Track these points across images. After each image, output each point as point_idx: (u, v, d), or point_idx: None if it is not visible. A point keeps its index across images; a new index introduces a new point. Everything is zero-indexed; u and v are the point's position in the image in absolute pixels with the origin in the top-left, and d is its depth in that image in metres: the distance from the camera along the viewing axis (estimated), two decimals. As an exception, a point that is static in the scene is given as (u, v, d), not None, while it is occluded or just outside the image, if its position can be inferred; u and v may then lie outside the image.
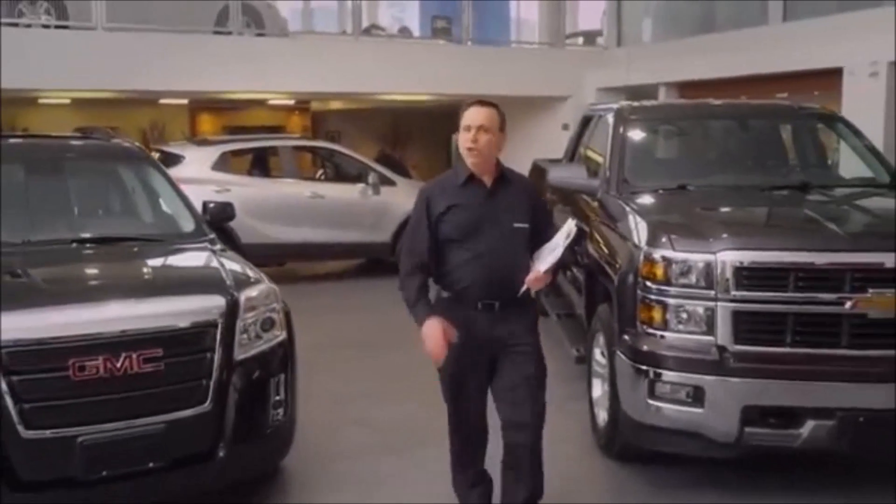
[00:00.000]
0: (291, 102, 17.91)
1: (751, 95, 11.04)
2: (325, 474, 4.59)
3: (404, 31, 20.23)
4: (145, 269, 4.32)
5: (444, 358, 3.48)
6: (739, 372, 3.99)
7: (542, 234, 3.60)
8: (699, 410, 4.03)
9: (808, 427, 3.94)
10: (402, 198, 10.47)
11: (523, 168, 9.44)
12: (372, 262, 11.09)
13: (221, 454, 3.76)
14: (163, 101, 15.42)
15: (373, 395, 6.02)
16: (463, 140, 3.53)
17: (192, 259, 4.47)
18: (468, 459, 3.78)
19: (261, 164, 11.09)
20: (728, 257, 4.02)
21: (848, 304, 3.93)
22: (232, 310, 3.84)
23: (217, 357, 3.74)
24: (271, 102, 16.93)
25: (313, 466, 4.64)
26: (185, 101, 16.62)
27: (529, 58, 14.99)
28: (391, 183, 10.64)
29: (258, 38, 12.66)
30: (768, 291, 4.03)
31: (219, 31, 12.14)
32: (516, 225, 3.55)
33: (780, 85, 11.20)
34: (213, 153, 9.85)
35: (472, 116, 3.54)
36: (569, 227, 3.44)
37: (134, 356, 3.51)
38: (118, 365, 3.49)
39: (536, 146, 12.04)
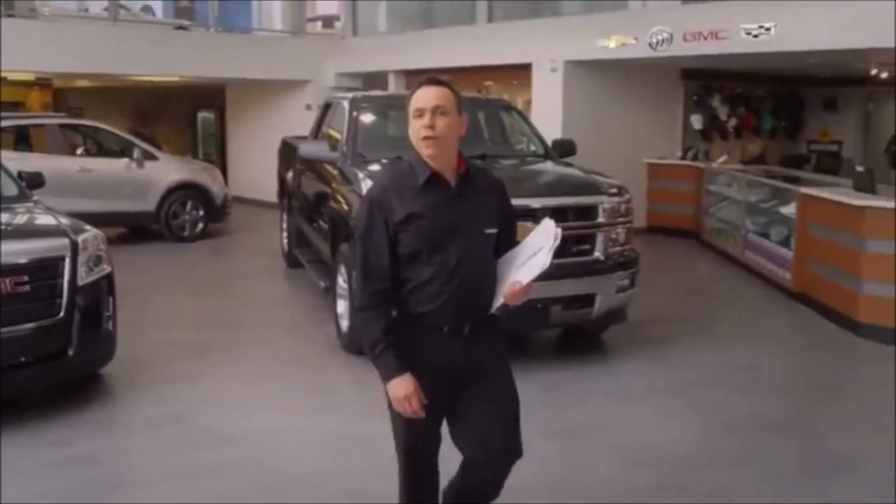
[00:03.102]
0: (32, 78, 17.96)
1: (465, 84, 13.24)
2: (146, 377, 6.04)
3: (147, 10, 20.41)
4: (3, 221, 5.53)
5: (396, 418, 3.03)
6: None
7: (506, 236, 3.05)
8: (410, 308, 5.94)
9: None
10: (164, 171, 11.81)
11: (273, 144, 11.05)
12: (137, 229, 12.23)
13: (71, 352, 5.21)
14: None
15: (166, 325, 7.53)
16: (416, 128, 2.87)
17: (33, 214, 5.74)
18: None
19: (25, 140, 11.79)
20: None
21: (504, 233, 5.99)
22: (74, 248, 5.26)
23: (66, 282, 5.17)
24: (10, 78, 16.97)
25: (134, 373, 6.06)
26: None
27: (273, 44, 16.27)
28: (154, 157, 11.85)
29: (7, 18, 13.08)
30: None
31: (-32, 12, 12.51)
32: (487, 230, 2.97)
33: (487, 75, 13.48)
34: (-18, 131, 10.54)
35: (424, 97, 2.86)
36: (553, 229, 2.89)
37: (8, 281, 4.88)
38: (-3, 287, 4.83)
39: (284, 124, 13.61)
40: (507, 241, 3.05)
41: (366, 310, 2.95)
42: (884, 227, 7.05)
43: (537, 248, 2.89)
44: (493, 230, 2.98)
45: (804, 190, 8.58)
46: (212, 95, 18.25)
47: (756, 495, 4.36)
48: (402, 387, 2.88)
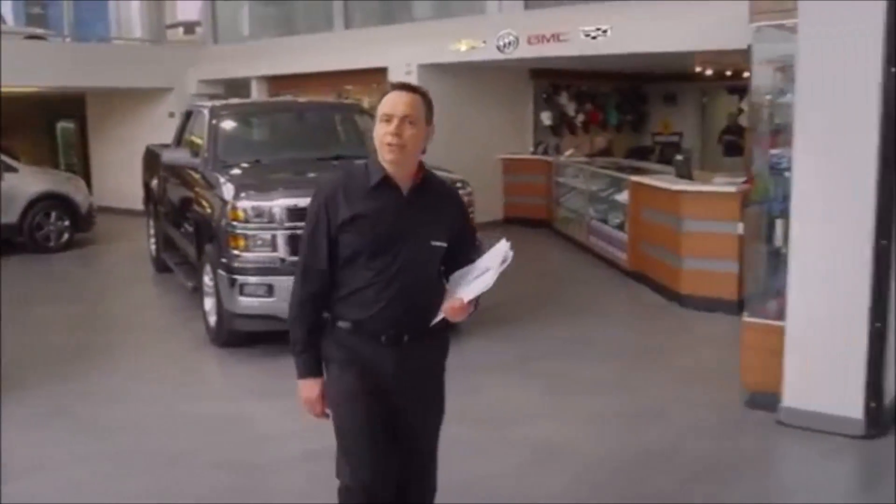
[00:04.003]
0: None
1: (326, 88, 13.74)
2: (26, 380, 6.23)
3: (-6, 16, 19.85)
4: None
5: (342, 415, 2.98)
6: (292, 272, 6.42)
7: (458, 254, 2.99)
8: (272, 300, 6.41)
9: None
10: (24, 183, 11.81)
11: (138, 152, 11.22)
12: (-1, 243, 12.15)
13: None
14: None
15: (41, 332, 7.77)
16: (381, 133, 2.80)
17: None
18: None
19: None
20: (281, 203, 6.43)
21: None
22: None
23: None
24: None
25: (14, 376, 6.21)
26: None
27: (133, 52, 16.27)
28: (13, 169, 11.82)
29: None
30: (304, 222, 6.53)
31: None
32: (434, 243, 2.92)
33: (347, 79, 13.95)
34: None
35: (394, 104, 2.81)
36: (504, 251, 2.86)
37: None
38: None
39: (148, 132, 13.72)
40: (465, 256, 2.99)
41: (299, 307, 2.97)
42: (696, 208, 7.97)
43: (485, 268, 2.88)
44: (442, 244, 2.94)
45: (634, 178, 9.48)
46: (71, 105, 17.97)
47: (580, 443, 5.06)
48: (309, 389, 2.97)
